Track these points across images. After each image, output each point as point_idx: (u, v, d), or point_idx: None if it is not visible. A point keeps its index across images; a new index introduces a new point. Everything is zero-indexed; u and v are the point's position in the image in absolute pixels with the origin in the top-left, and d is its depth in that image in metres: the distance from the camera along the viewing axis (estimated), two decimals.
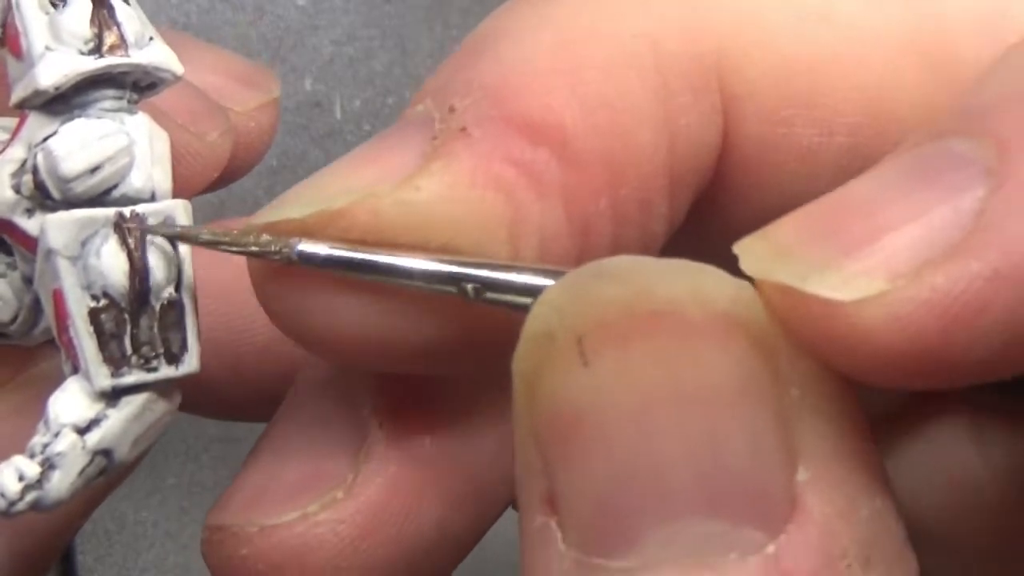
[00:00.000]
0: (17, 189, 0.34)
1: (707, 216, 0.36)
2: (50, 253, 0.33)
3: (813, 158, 0.35)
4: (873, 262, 0.27)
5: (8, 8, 0.34)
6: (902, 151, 0.29)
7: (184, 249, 0.34)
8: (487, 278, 0.31)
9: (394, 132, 0.34)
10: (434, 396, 0.37)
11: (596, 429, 0.28)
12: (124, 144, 0.34)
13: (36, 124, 0.34)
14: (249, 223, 0.33)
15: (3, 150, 0.35)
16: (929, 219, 0.27)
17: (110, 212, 0.33)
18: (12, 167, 0.34)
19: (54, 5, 0.34)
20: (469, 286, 0.31)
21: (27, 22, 0.34)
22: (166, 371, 0.34)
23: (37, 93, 0.33)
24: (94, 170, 0.33)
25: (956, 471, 0.38)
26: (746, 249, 0.29)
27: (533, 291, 0.30)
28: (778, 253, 0.28)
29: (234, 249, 0.32)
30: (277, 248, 0.32)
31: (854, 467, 0.28)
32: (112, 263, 0.33)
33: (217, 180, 0.45)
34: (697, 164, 0.35)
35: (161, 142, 0.34)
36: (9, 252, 0.37)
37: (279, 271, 0.32)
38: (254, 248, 0.32)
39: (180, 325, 0.34)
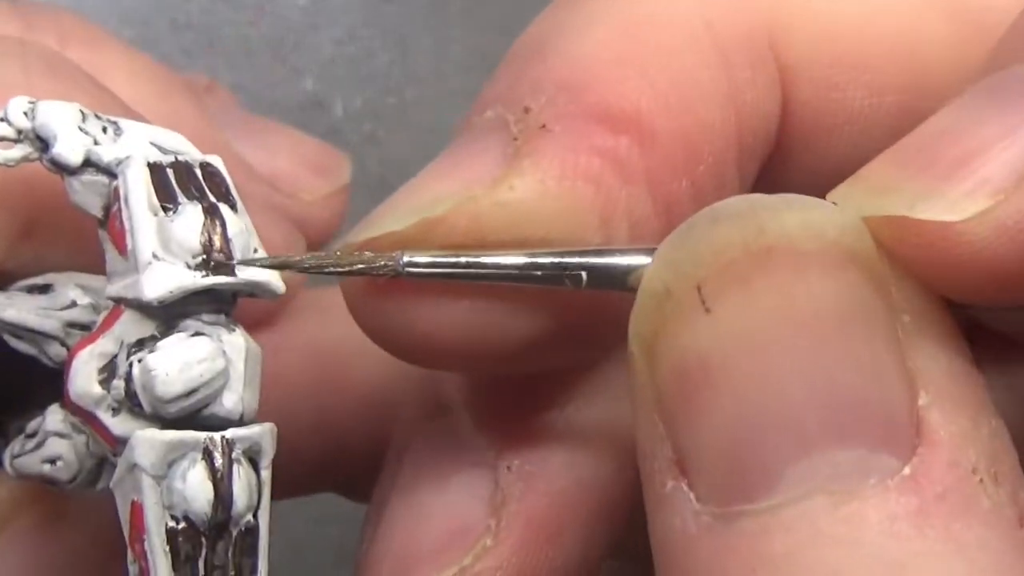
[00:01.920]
0: (104, 385, 0.34)
1: (770, 185, 0.37)
2: (135, 467, 0.33)
3: (865, 120, 0.37)
4: (973, 183, 0.29)
5: (116, 198, 0.34)
6: (972, 86, 0.31)
7: (266, 474, 0.34)
8: (595, 264, 0.32)
9: (469, 140, 0.34)
10: (552, 429, 0.38)
11: (723, 374, 0.29)
12: (221, 368, 0.33)
13: (130, 322, 0.34)
14: (347, 242, 0.33)
15: (93, 336, 0.34)
16: (1016, 137, 0.29)
17: (200, 437, 0.33)
18: (101, 362, 0.34)
19: (165, 208, 0.33)
20: (583, 274, 0.32)
21: (136, 223, 0.33)
22: None
23: (139, 301, 0.33)
24: (189, 394, 0.33)
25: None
26: (844, 195, 0.31)
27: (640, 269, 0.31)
28: (878, 190, 0.30)
29: (339, 270, 0.33)
30: (382, 263, 0.32)
31: (969, 389, 0.30)
32: (198, 491, 0.33)
33: None
34: (761, 135, 0.36)
35: (255, 361, 0.34)
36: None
37: (377, 287, 0.33)
38: (360, 266, 0.32)
39: (254, 550, 0.34)
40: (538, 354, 0.35)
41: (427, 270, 0.32)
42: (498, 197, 0.33)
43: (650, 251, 0.31)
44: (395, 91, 0.76)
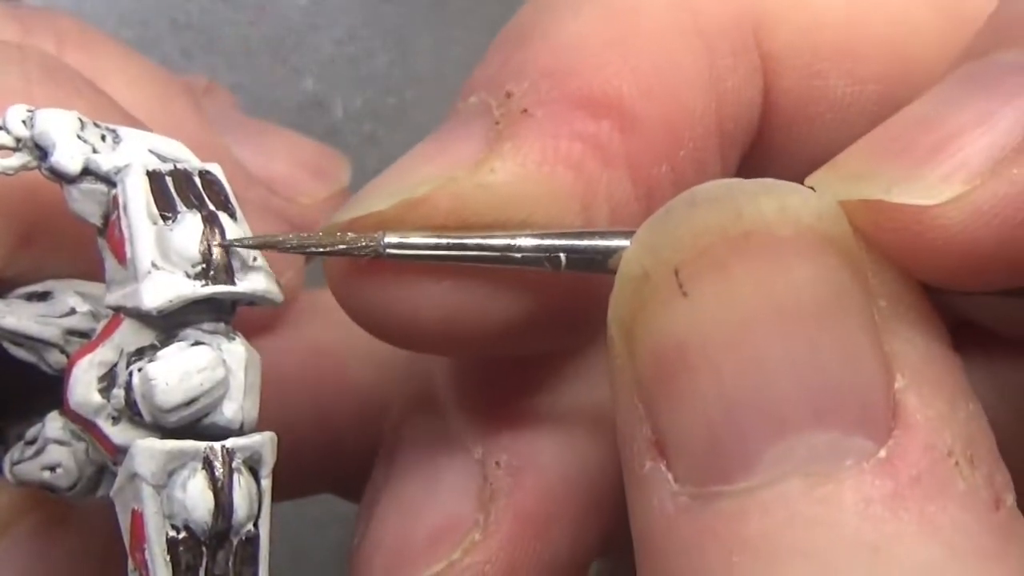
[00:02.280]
0: (104, 394, 0.34)
1: (752, 172, 0.37)
2: (135, 477, 0.33)
3: (846, 108, 0.37)
4: (949, 168, 0.29)
5: (115, 206, 0.34)
6: (950, 74, 0.31)
7: (266, 483, 0.34)
8: (574, 246, 0.32)
9: (453, 125, 0.35)
10: (540, 423, 0.39)
11: (701, 357, 0.29)
12: (221, 377, 0.33)
13: (130, 331, 0.34)
14: (331, 223, 0.34)
15: (92, 345, 0.34)
16: (993, 123, 0.29)
17: (200, 447, 0.33)
18: (101, 371, 0.34)
19: (164, 217, 0.33)
20: (562, 256, 0.32)
21: (135, 232, 0.33)
22: None
23: (139, 310, 0.33)
24: (189, 403, 0.33)
25: None
26: (821, 180, 0.31)
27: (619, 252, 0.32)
28: (855, 175, 0.30)
29: (322, 250, 0.33)
30: (364, 243, 0.32)
31: (946, 372, 0.30)
32: (198, 500, 0.33)
33: None
34: (743, 122, 0.37)
35: (254, 370, 0.34)
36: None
37: (359, 267, 0.33)
38: (341, 246, 0.33)
39: (254, 559, 0.34)
40: (520, 337, 0.35)
41: (408, 251, 0.33)
42: (479, 179, 0.33)
43: (630, 234, 0.31)
44: (395, 91, 0.76)
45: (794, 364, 0.28)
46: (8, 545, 0.40)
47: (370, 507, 0.40)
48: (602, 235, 0.32)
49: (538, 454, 0.38)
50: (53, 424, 0.36)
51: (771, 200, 0.29)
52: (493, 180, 0.33)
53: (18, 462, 0.37)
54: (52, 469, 0.36)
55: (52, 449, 0.36)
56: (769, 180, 0.30)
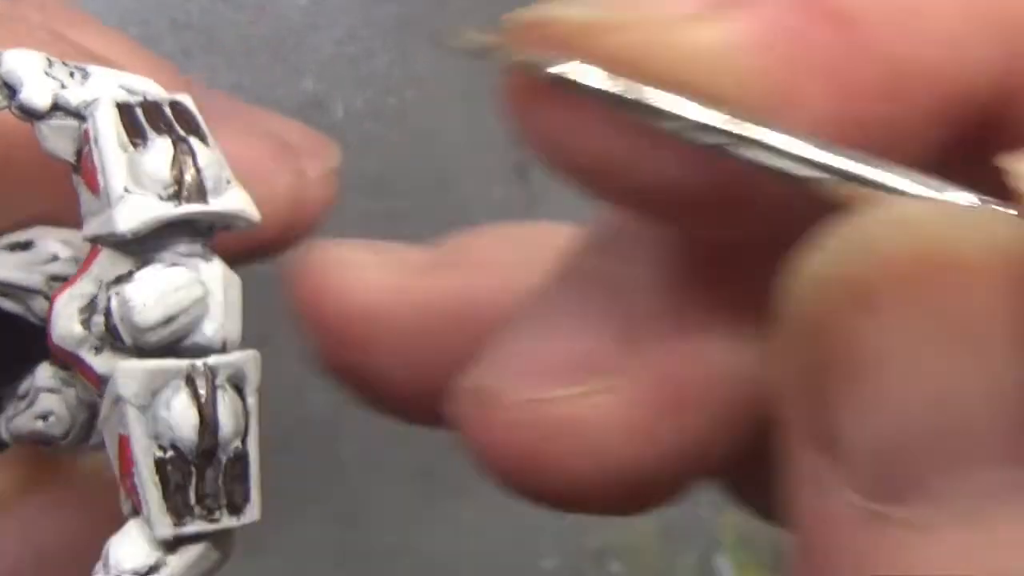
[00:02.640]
0: (86, 325, 0.34)
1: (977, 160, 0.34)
2: (119, 400, 0.33)
3: None
4: None
5: (87, 140, 0.34)
6: None
7: (252, 400, 0.34)
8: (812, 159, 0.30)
9: None
10: (701, 297, 0.36)
11: (888, 376, 0.27)
12: (199, 295, 0.33)
13: (108, 261, 0.34)
14: (519, 17, 0.31)
15: (72, 279, 0.35)
16: None
17: (182, 364, 0.33)
18: (81, 302, 0.34)
19: (134, 144, 0.33)
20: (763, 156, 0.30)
21: (106, 160, 0.33)
22: (227, 521, 0.34)
23: (113, 236, 0.33)
24: (168, 321, 0.33)
25: None
26: (1017, 166, 0.28)
27: (821, 168, 0.30)
28: None
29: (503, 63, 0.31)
30: (542, 65, 0.30)
31: None
32: (182, 417, 0.33)
33: (266, 249, 0.44)
34: (979, 100, 0.33)
35: (234, 289, 0.34)
36: (66, 366, 0.36)
37: (540, 91, 0.31)
38: (527, 60, 0.30)
39: (244, 476, 0.34)
40: (683, 209, 0.33)
41: (592, 86, 0.30)
42: (688, 33, 0.30)
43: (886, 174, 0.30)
44: (395, 91, 0.76)
45: (985, 394, 0.27)
46: (7, 523, 0.40)
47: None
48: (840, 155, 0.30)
49: (696, 329, 0.35)
50: (43, 373, 0.36)
51: (969, 225, 0.28)
52: (702, 38, 0.30)
53: (12, 417, 0.37)
54: (44, 418, 0.37)
55: (43, 397, 0.36)
56: (966, 203, 0.29)
